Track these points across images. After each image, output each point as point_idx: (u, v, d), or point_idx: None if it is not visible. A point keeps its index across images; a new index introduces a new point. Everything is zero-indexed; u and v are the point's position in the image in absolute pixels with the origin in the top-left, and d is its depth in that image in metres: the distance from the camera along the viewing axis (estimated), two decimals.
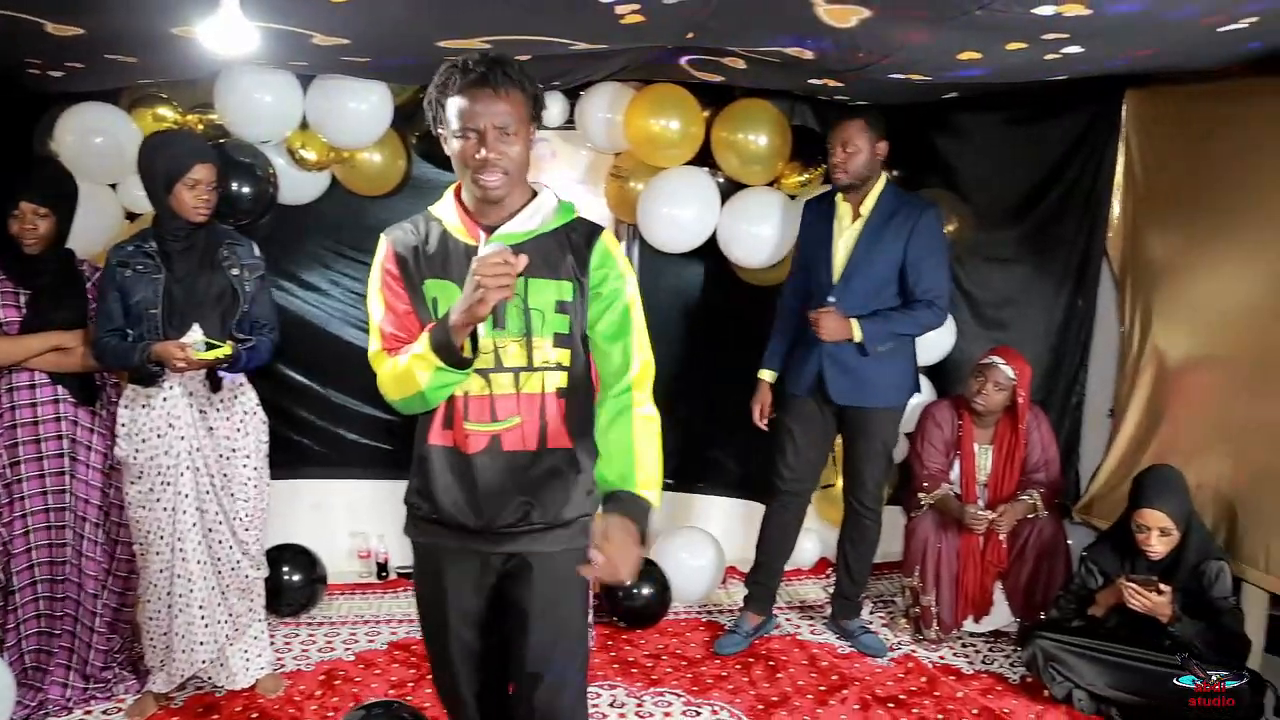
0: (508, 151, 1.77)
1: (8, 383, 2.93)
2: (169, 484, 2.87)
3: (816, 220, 3.45)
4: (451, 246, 1.86)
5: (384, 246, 1.89)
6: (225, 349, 2.80)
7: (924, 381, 4.07)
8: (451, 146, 1.80)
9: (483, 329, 1.78)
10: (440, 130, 1.83)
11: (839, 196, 3.40)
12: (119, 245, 2.87)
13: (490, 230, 1.84)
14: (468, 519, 1.89)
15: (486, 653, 2.03)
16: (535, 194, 1.89)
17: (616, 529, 1.74)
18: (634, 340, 1.91)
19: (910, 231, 3.29)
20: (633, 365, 1.90)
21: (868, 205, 3.35)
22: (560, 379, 1.89)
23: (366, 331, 4.27)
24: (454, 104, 1.76)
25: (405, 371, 1.79)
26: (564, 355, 1.88)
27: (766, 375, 3.56)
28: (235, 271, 2.91)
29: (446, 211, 1.89)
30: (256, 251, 3.01)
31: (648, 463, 1.86)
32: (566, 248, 1.88)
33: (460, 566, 1.96)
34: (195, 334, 2.82)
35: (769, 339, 3.58)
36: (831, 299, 3.30)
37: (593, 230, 1.92)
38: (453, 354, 1.74)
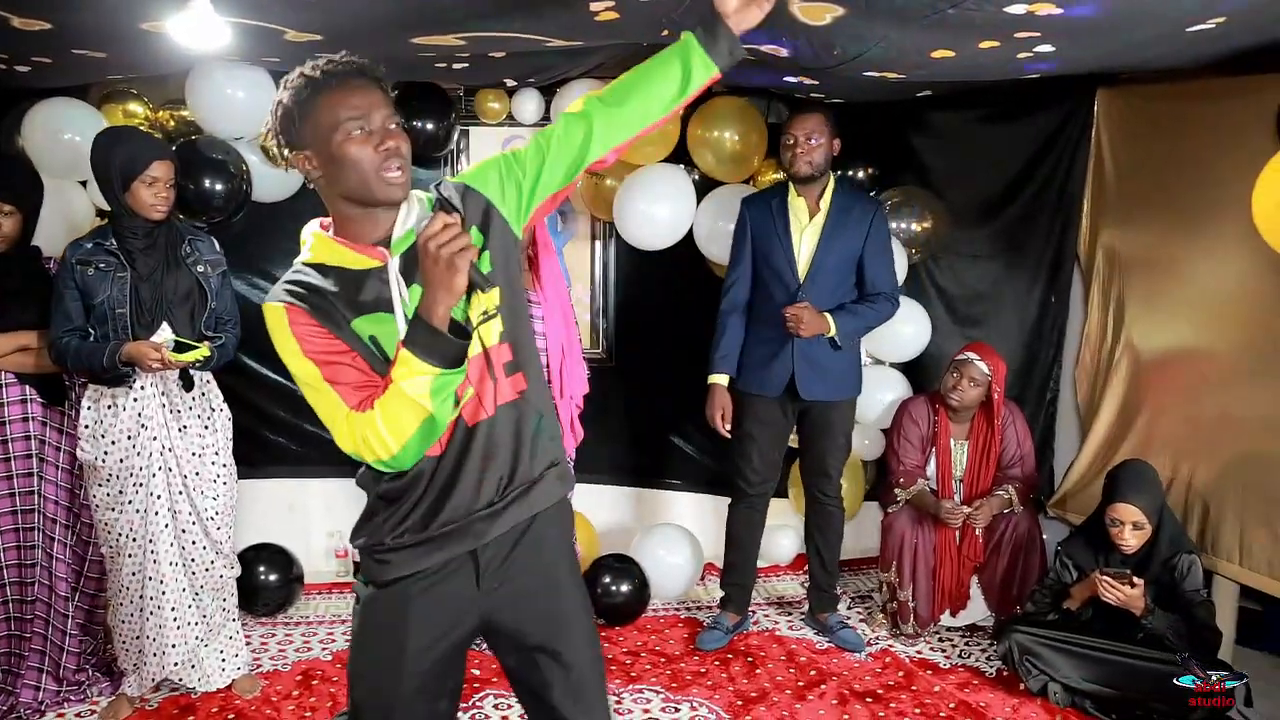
0: (403, 144, 1.60)
1: None
2: (140, 485, 2.85)
3: (766, 218, 3.40)
4: (357, 279, 1.63)
5: (279, 314, 1.60)
6: (203, 350, 2.77)
7: (900, 377, 4.11)
8: (332, 160, 1.58)
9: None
10: (298, 148, 1.61)
11: (792, 193, 3.39)
12: (76, 243, 2.83)
13: (384, 244, 1.64)
14: (450, 519, 1.69)
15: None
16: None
17: None
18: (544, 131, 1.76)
19: (869, 227, 3.35)
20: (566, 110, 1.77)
21: (825, 201, 3.37)
22: (498, 324, 1.70)
23: None
24: (332, 103, 1.57)
25: (399, 405, 1.55)
26: (494, 295, 1.69)
27: (722, 379, 3.46)
28: (201, 269, 2.90)
29: (332, 251, 1.64)
30: (216, 247, 3.00)
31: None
32: (452, 206, 1.68)
33: (437, 594, 1.73)
34: (165, 333, 2.80)
35: (715, 342, 3.47)
36: (801, 295, 3.31)
37: (455, 186, 1.72)
38: (446, 346, 1.53)
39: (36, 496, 2.98)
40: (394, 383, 1.55)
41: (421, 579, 1.71)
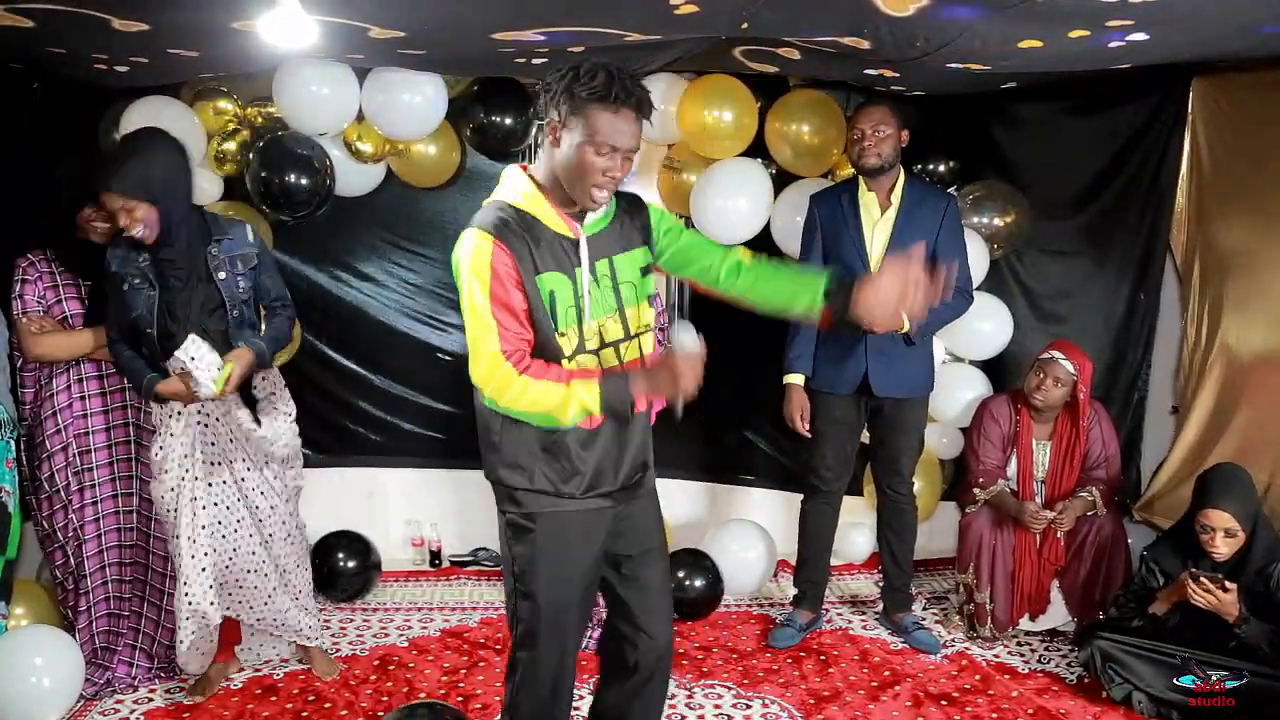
0: (624, 173, 1.91)
1: (76, 373, 3.02)
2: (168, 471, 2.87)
3: (837, 213, 3.37)
4: (555, 240, 1.95)
5: (488, 243, 1.89)
6: (227, 369, 2.73)
7: (980, 375, 4.03)
8: (571, 150, 1.86)
9: (585, 319, 1.98)
10: (553, 119, 1.88)
11: (862, 187, 3.35)
12: (114, 249, 2.79)
13: (578, 220, 1.99)
14: (606, 483, 2.09)
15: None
16: None
17: None
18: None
19: (941, 220, 3.30)
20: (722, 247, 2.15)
21: (896, 195, 3.32)
22: (650, 339, 2.12)
23: (422, 322, 4.29)
24: (601, 116, 1.83)
25: (554, 403, 1.88)
26: (651, 314, 2.11)
27: (798, 379, 3.44)
28: (222, 275, 2.81)
29: (539, 207, 1.95)
30: (250, 236, 2.89)
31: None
32: (628, 220, 2.07)
33: (589, 529, 2.12)
34: (193, 347, 2.72)
35: (789, 341, 3.44)
36: None
37: (633, 200, 2.12)
38: (622, 410, 1.91)
39: (135, 480, 3.10)
40: (573, 394, 1.87)
41: (577, 513, 2.11)
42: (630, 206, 2.10)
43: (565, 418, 1.90)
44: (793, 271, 2.13)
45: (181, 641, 2.90)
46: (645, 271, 2.09)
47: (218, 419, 2.87)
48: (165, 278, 2.76)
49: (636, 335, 2.07)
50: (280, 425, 2.98)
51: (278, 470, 3.02)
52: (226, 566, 2.94)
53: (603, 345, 2.02)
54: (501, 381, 1.89)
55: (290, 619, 3.10)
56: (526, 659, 2.18)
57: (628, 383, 1.89)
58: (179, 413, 2.83)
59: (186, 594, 2.85)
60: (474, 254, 1.89)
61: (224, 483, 2.92)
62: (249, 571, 2.98)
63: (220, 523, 2.92)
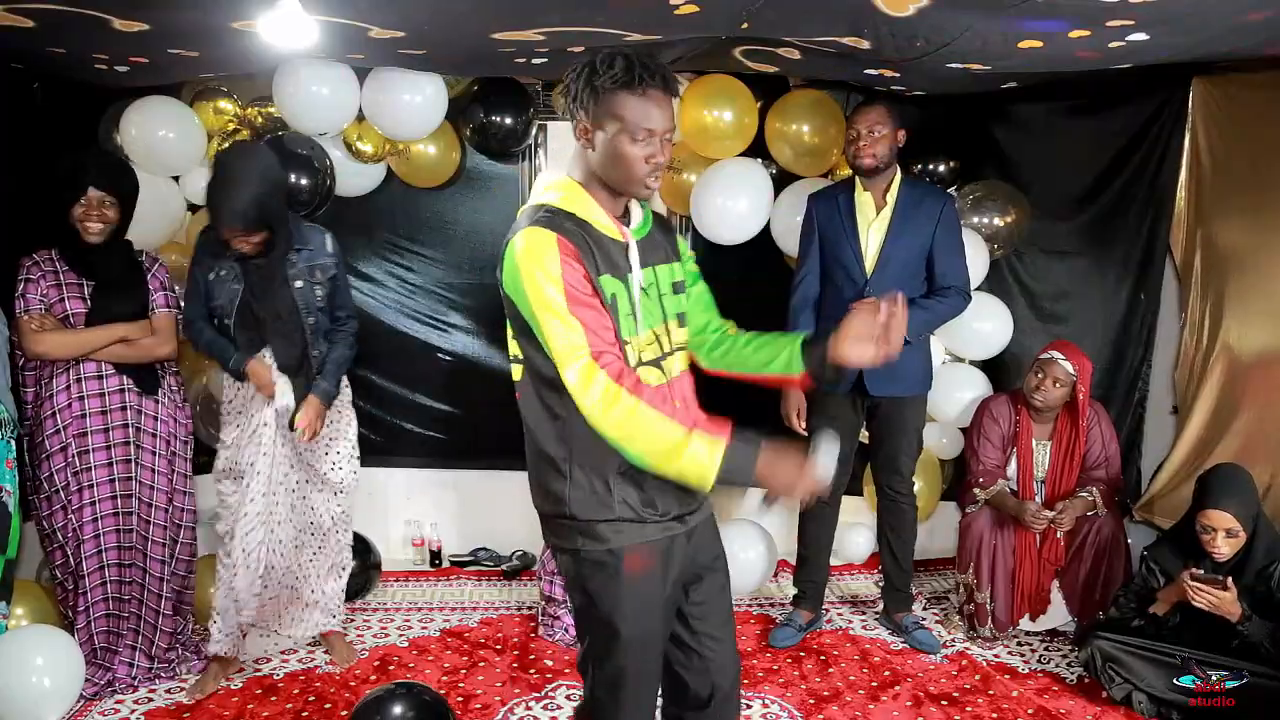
0: (666, 156, 1.82)
1: (75, 374, 3.01)
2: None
3: (834, 213, 3.38)
4: (609, 244, 1.83)
5: (550, 238, 1.74)
6: (298, 416, 3.01)
7: (980, 376, 4.02)
8: (608, 145, 1.77)
9: (640, 329, 1.86)
10: (581, 119, 1.79)
11: (858, 187, 3.36)
12: (203, 236, 3.01)
13: (624, 224, 1.90)
14: (678, 507, 1.93)
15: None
16: None
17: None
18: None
19: (938, 220, 3.31)
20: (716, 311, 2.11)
21: (892, 194, 3.33)
22: (686, 357, 2.00)
23: (422, 322, 4.27)
24: (630, 102, 1.74)
25: (665, 446, 1.71)
26: (685, 334, 2.00)
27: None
28: (299, 284, 3.00)
29: (588, 209, 1.83)
30: (330, 247, 3.09)
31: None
32: (659, 233, 1.98)
33: (671, 552, 1.95)
34: (285, 394, 3.01)
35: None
36: (869, 290, 3.28)
37: (660, 216, 2.02)
38: (735, 484, 1.76)
39: (134, 482, 3.09)
40: (690, 436, 1.70)
41: (660, 539, 1.93)
42: (660, 221, 2.00)
43: (668, 467, 1.72)
44: (771, 335, 2.03)
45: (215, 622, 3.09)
46: (677, 289, 1.97)
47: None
48: (250, 278, 2.95)
49: (674, 351, 1.94)
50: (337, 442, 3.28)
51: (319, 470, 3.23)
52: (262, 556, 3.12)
53: (663, 355, 1.90)
54: (607, 396, 1.71)
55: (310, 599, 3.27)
56: (610, 707, 1.98)
57: (754, 457, 1.71)
58: (244, 412, 3.07)
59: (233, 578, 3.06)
60: (537, 250, 1.73)
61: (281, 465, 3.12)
62: (275, 562, 3.17)
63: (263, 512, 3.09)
